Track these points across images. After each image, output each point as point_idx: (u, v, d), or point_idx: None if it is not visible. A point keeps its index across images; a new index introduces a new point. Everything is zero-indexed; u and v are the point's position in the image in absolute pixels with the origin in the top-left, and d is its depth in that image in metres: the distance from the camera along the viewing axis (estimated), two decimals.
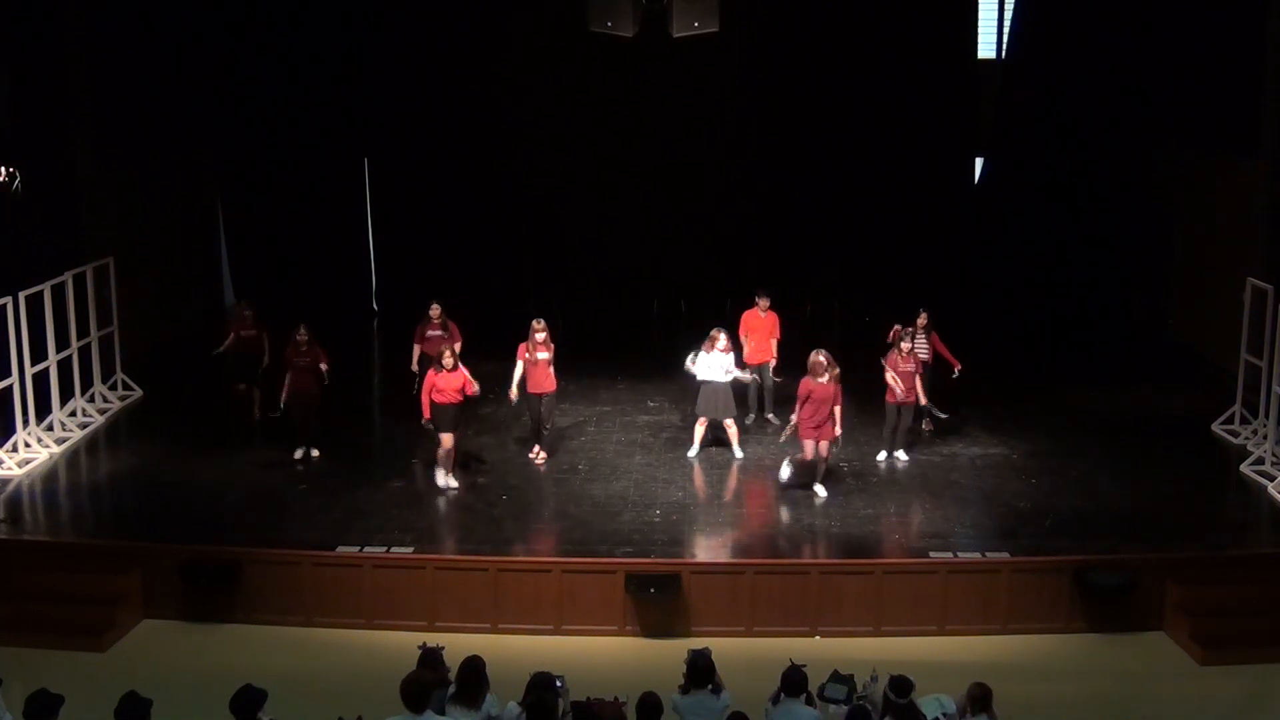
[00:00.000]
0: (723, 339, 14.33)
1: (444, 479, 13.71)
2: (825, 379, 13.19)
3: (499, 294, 20.81)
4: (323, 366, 14.46)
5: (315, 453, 14.69)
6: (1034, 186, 20.84)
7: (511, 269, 21.42)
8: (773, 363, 15.54)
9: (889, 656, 10.33)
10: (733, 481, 14.14)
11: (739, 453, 14.62)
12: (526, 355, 14.21)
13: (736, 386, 14.66)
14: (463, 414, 13.84)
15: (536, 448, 14.66)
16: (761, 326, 15.51)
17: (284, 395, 14.35)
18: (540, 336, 14.17)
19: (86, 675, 10.67)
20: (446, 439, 13.60)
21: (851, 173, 21.01)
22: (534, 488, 13.97)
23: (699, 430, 14.76)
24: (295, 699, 9.29)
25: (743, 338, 15.50)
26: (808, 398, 13.27)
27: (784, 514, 13.29)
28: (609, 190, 21.00)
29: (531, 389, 14.29)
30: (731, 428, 14.64)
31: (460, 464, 14.05)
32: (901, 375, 14.19)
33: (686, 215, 21.07)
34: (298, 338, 14.48)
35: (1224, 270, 17.54)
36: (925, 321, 15.08)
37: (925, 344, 15.03)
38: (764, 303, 15.55)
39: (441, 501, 13.54)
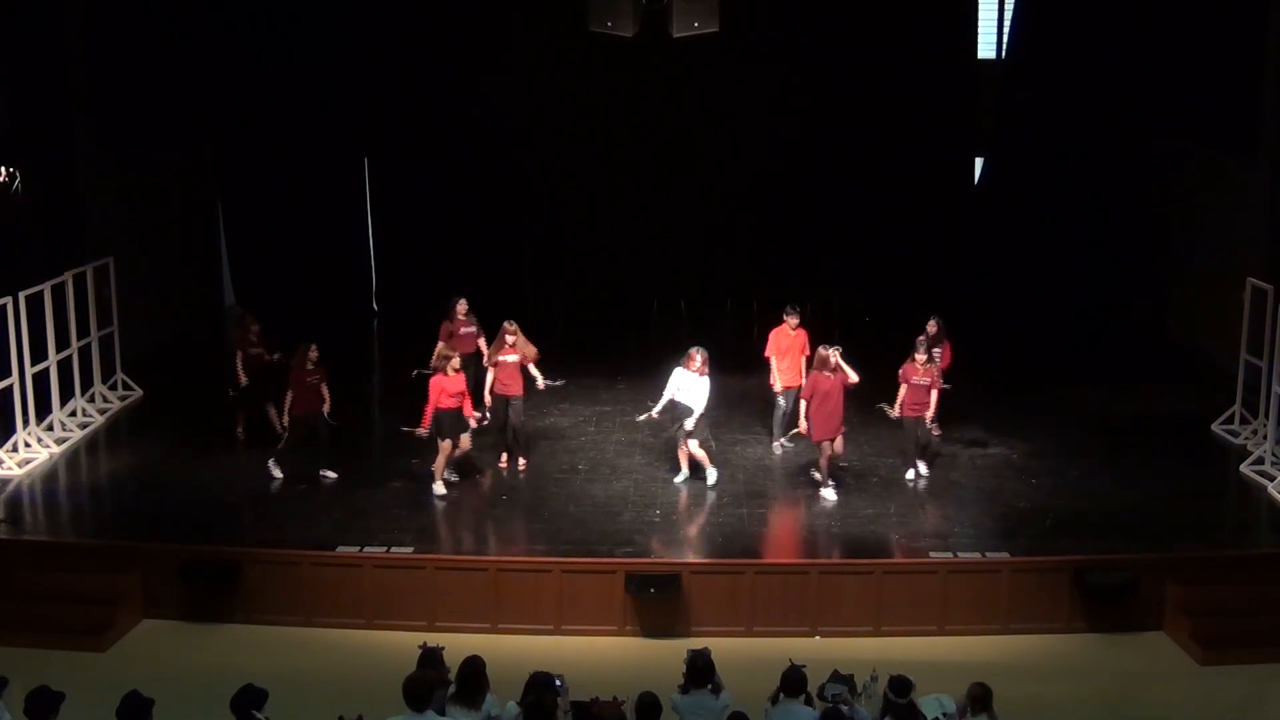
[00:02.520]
0: (698, 359, 13.56)
1: (440, 488, 13.52)
2: (830, 375, 13.13)
3: (499, 294, 20.77)
4: (323, 389, 13.93)
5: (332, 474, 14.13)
6: (1034, 186, 20.82)
7: (511, 269, 21.40)
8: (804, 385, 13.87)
9: (889, 656, 10.34)
10: (732, 482, 14.08)
11: (713, 475, 13.88)
12: (501, 358, 13.89)
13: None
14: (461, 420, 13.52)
15: (504, 455, 14.27)
16: (792, 345, 14.56)
17: (285, 415, 13.88)
18: (510, 340, 13.89)
19: (86, 675, 10.65)
20: (446, 445, 13.42)
21: (851, 173, 20.97)
22: (534, 488, 13.95)
23: (684, 452, 13.88)
24: (295, 699, 9.27)
25: (770, 358, 14.63)
26: (813, 393, 13.24)
27: (785, 514, 13.28)
28: (609, 190, 20.98)
29: (499, 391, 13.98)
30: (699, 450, 13.82)
31: (459, 468, 13.95)
32: (914, 388, 13.66)
33: (686, 215, 21.03)
34: (310, 355, 13.86)
35: (1224, 270, 17.52)
36: (936, 329, 14.58)
37: (937, 353, 14.17)
38: (793, 320, 14.61)
39: (441, 502, 13.52)
